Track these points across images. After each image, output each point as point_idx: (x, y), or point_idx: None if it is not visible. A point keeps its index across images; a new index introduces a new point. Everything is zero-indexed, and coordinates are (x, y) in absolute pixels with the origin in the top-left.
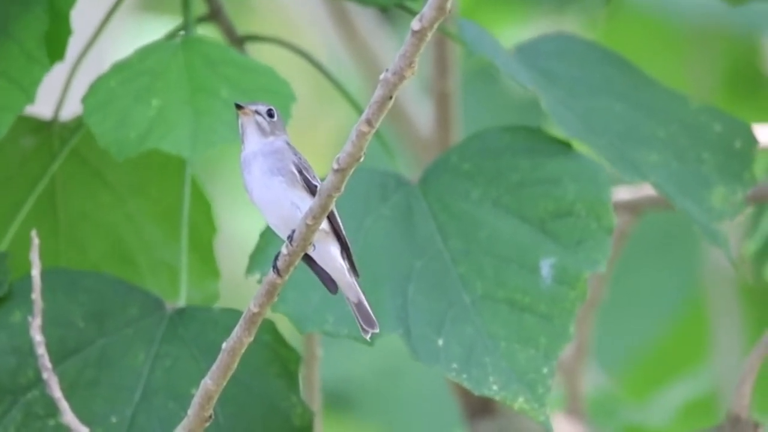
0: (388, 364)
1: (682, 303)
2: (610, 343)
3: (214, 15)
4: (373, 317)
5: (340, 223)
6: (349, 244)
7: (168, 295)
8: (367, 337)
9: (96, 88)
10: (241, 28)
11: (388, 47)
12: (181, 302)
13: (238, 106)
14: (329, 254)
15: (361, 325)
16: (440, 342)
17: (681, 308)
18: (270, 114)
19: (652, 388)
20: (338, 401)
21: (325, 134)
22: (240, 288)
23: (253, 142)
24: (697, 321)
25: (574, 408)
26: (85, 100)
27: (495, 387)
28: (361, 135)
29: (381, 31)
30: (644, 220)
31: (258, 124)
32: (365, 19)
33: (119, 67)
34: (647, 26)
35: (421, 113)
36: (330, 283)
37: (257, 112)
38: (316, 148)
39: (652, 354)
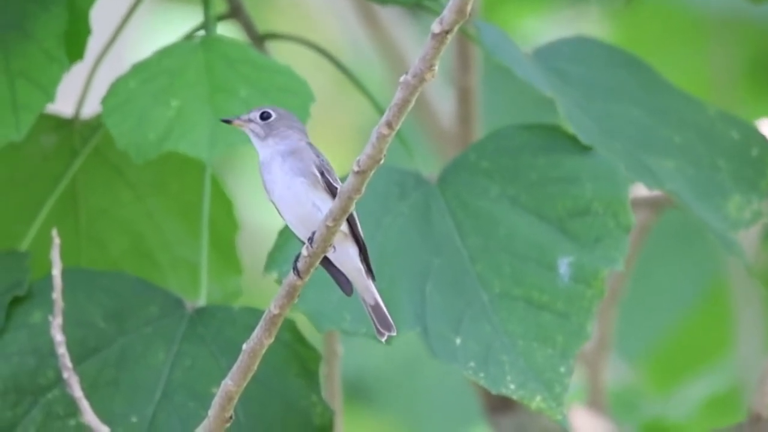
0: (409, 356)
1: (705, 296)
2: (633, 336)
3: (235, 13)
4: (390, 320)
5: (359, 225)
6: (367, 246)
7: (189, 292)
8: (383, 340)
9: (115, 88)
10: (262, 22)
11: (410, 37)
12: (202, 300)
13: (226, 121)
14: (347, 255)
15: (377, 328)
16: (458, 340)
17: (703, 301)
18: (263, 116)
19: (674, 382)
20: (358, 393)
21: (345, 123)
22: (262, 282)
23: (260, 147)
24: (719, 314)
25: (595, 401)
26: (104, 101)
27: (512, 386)
28: (382, 137)
29: (403, 21)
30: (667, 212)
31: (253, 131)
32: (387, 10)
33: (139, 68)
34: (669, 15)
35: (444, 105)
36: (345, 285)
37: (249, 120)
38: (336, 137)
39: (675, 347)
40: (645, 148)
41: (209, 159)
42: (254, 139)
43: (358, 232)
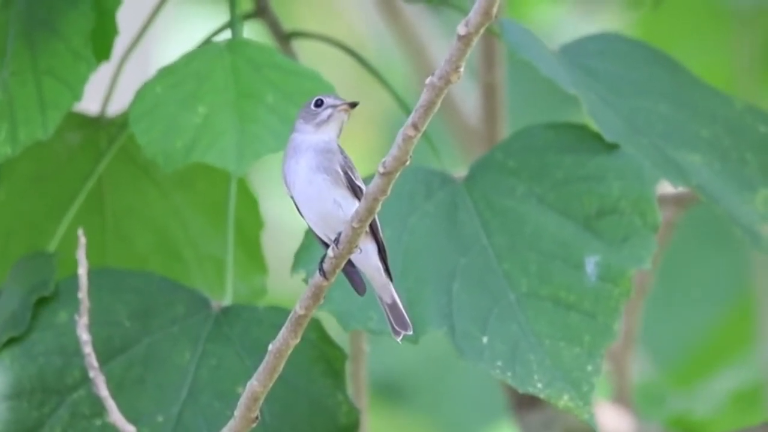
0: (437, 353)
1: (731, 292)
2: (659, 332)
3: (261, 11)
4: (407, 318)
5: (378, 224)
6: (385, 245)
7: (215, 288)
8: (399, 339)
9: (142, 94)
10: (287, 20)
11: (432, 32)
12: (227, 299)
13: (353, 105)
14: (367, 254)
15: (393, 327)
16: (485, 340)
17: (730, 297)
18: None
19: (699, 377)
20: (387, 390)
21: (370, 111)
22: (287, 280)
23: (329, 134)
24: (744, 310)
25: (621, 396)
26: (131, 107)
27: (539, 385)
28: (408, 139)
29: (426, 16)
30: (694, 209)
31: (343, 123)
32: (410, 6)
33: (165, 72)
34: (691, 4)
35: (469, 101)
36: (359, 284)
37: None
38: (361, 125)
39: (700, 343)
40: (672, 143)
41: (237, 171)
42: (335, 129)
43: (378, 230)
